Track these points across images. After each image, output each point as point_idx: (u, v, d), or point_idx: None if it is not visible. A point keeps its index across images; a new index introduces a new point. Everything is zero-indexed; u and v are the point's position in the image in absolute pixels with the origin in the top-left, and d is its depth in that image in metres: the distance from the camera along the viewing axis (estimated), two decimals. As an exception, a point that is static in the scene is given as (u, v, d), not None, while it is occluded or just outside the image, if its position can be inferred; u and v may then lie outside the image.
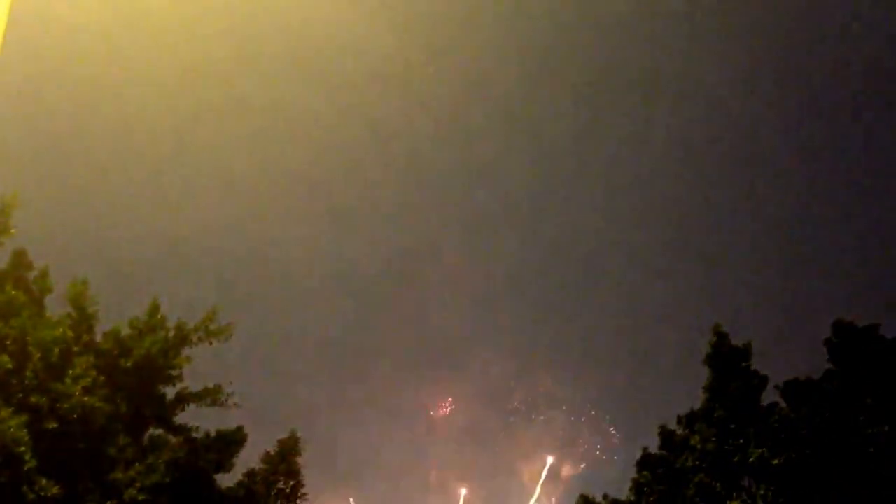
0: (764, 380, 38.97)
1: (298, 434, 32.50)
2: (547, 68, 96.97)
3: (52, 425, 26.30)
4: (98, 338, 29.79)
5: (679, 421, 40.12)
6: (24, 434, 24.74)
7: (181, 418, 31.13)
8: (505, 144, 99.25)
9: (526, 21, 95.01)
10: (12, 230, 27.90)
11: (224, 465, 30.95)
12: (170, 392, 30.73)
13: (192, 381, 31.20)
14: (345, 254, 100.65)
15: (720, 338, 40.04)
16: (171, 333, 30.29)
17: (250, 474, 31.71)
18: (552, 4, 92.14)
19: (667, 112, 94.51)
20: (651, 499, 38.86)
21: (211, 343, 30.74)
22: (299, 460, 32.26)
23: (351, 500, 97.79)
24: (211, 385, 31.19)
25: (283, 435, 32.99)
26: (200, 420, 31.49)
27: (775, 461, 36.38)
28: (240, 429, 31.29)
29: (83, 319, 29.41)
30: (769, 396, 38.96)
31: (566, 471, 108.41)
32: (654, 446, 40.57)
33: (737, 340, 40.94)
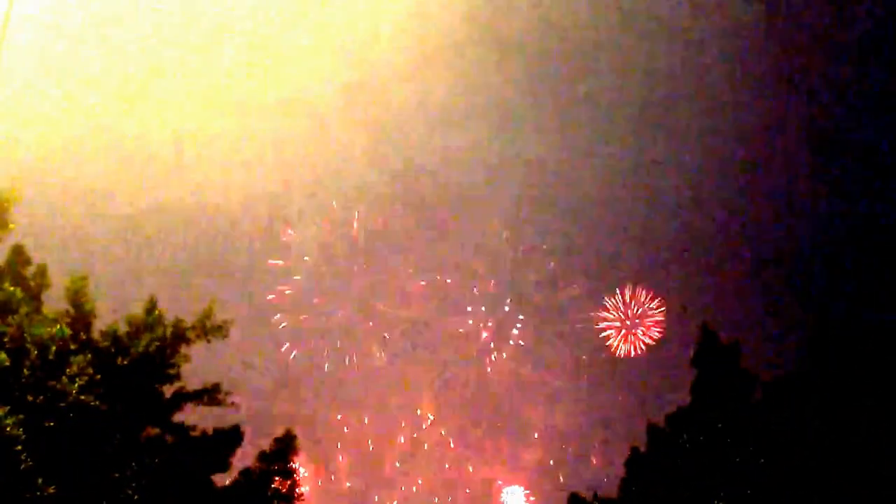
0: (753, 379, 39.37)
1: (294, 433, 32.34)
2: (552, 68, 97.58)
3: (49, 424, 26.04)
4: (95, 335, 29.47)
5: (668, 420, 40.42)
6: (20, 433, 24.47)
7: (177, 417, 30.96)
8: (502, 147, 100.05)
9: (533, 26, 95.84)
10: (11, 225, 27.64)
11: (220, 465, 30.87)
12: (167, 391, 30.50)
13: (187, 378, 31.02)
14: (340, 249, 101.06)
15: (707, 337, 40.37)
16: (169, 331, 30.00)
17: (246, 473, 31.52)
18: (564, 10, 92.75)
19: (659, 104, 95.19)
20: (640, 498, 39.14)
21: (209, 341, 30.53)
22: (296, 460, 32.14)
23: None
24: (209, 384, 31.06)
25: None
26: (195, 419, 31.36)
27: (763, 460, 36.78)
28: (236, 427, 31.16)
29: (80, 317, 29.11)
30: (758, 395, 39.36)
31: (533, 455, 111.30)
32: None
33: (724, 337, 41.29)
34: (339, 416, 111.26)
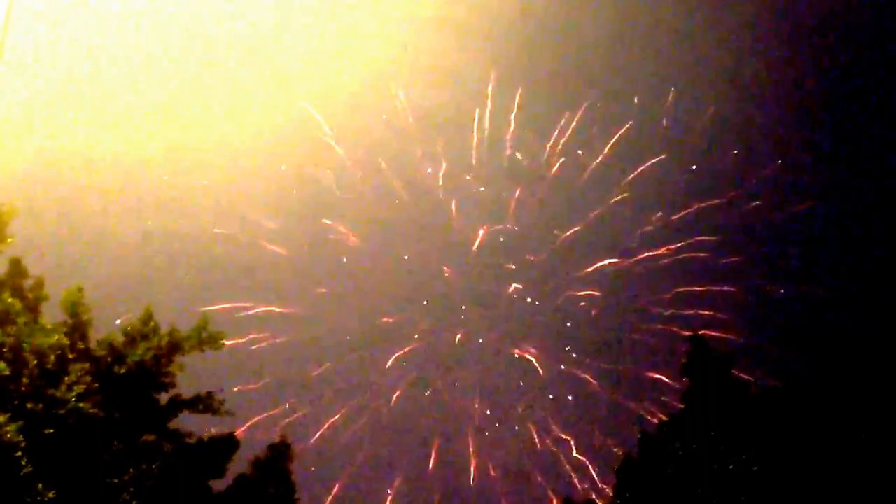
0: (744, 387, 39.64)
1: (289, 441, 33.10)
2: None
3: (48, 431, 26.72)
4: (92, 345, 30.23)
5: (660, 427, 40.74)
6: (20, 439, 25.16)
7: (174, 424, 31.64)
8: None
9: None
10: (10, 239, 28.37)
11: (217, 471, 31.51)
12: (163, 398, 31.22)
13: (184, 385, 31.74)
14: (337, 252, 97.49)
15: (698, 347, 40.70)
16: (164, 341, 30.76)
17: (241, 479, 32.18)
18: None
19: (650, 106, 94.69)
20: (633, 504, 39.45)
21: (203, 351, 31.28)
22: (290, 466, 32.82)
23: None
24: (203, 392, 31.77)
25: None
26: (193, 426, 32.06)
27: (755, 467, 37.02)
28: (231, 434, 31.85)
29: (78, 327, 29.91)
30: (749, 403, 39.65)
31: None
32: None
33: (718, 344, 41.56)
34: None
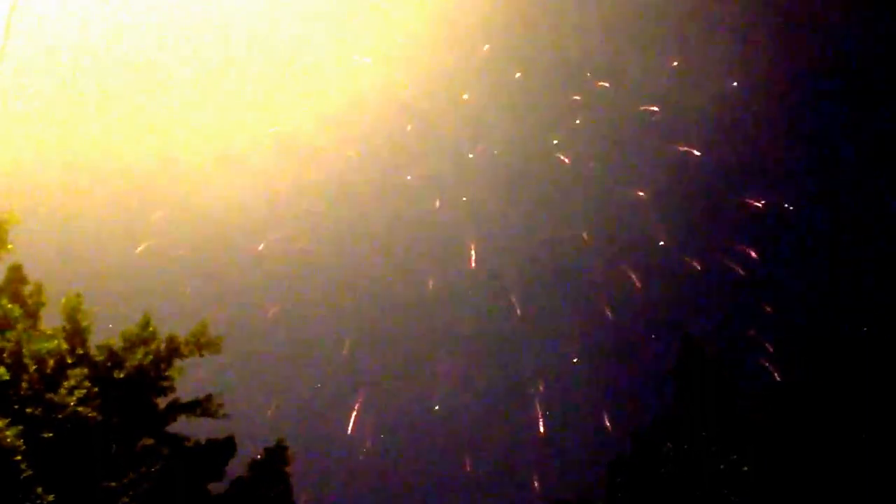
0: (735, 388, 39.99)
1: (287, 444, 33.36)
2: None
3: (48, 435, 27.04)
4: (91, 350, 30.54)
5: (652, 427, 41.05)
6: (20, 443, 25.45)
7: (172, 428, 31.95)
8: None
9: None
10: (10, 246, 28.66)
11: (215, 474, 31.82)
12: (161, 402, 31.53)
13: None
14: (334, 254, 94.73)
15: (689, 348, 40.98)
16: (163, 346, 31.08)
17: (238, 482, 32.48)
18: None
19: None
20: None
21: (202, 355, 31.60)
22: (287, 469, 33.07)
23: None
24: (202, 396, 32.11)
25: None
26: (191, 429, 32.36)
27: (746, 468, 37.37)
28: (230, 438, 32.15)
29: (77, 332, 30.18)
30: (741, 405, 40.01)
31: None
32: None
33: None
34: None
